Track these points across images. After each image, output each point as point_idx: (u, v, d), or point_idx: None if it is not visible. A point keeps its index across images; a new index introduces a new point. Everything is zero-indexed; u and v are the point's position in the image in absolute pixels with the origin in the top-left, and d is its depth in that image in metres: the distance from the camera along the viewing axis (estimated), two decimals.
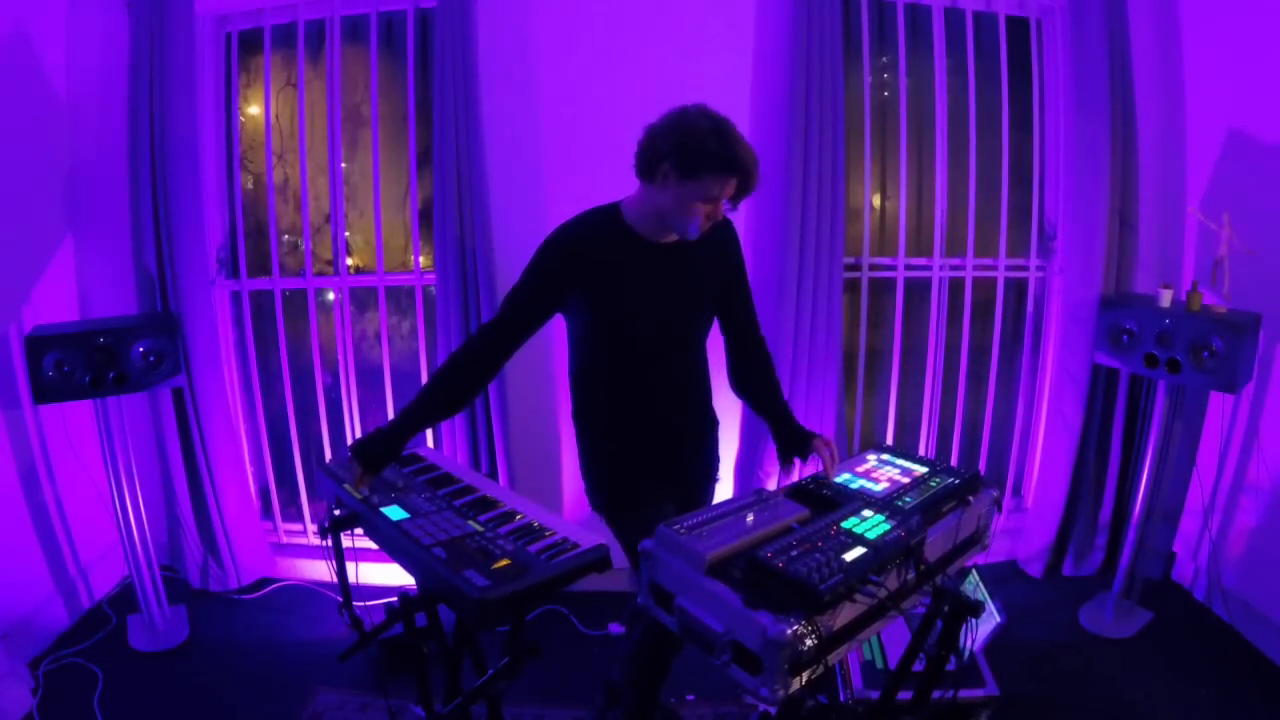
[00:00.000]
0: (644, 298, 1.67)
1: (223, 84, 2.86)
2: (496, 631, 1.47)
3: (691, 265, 1.74)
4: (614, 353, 1.72)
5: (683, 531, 1.31)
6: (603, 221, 1.68)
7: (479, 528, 1.50)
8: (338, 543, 1.68)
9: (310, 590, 2.99)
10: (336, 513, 1.66)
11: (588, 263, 1.62)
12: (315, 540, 3.11)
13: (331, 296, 3.01)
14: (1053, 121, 2.88)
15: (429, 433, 2.89)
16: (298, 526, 3.19)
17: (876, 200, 3.00)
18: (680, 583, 1.27)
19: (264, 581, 3.03)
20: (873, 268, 2.92)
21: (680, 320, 1.75)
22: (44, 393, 2.31)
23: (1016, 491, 3.23)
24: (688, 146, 1.51)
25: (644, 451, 1.78)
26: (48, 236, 2.70)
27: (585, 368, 1.77)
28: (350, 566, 1.80)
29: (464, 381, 1.68)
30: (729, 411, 2.26)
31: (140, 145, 2.58)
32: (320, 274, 3.01)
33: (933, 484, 1.56)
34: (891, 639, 2.30)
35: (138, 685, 2.42)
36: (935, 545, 1.42)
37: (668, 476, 1.83)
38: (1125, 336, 2.49)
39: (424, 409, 1.66)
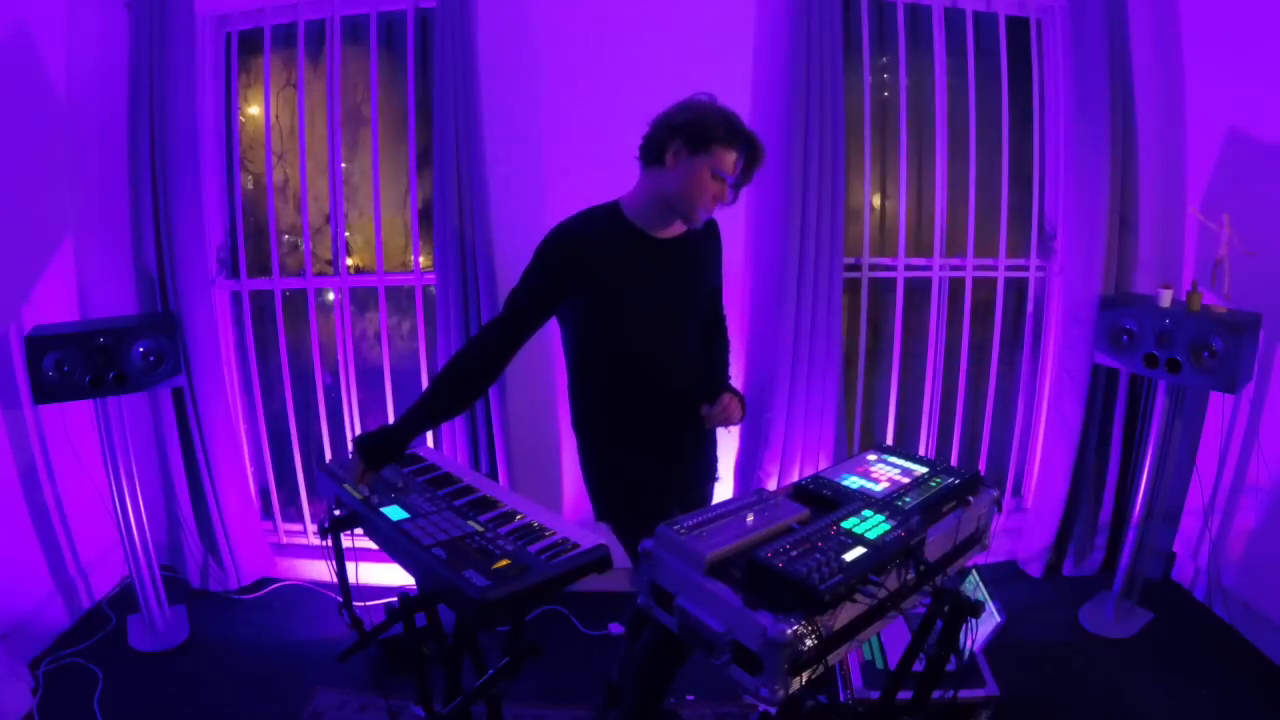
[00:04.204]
0: (646, 290, 1.68)
1: (223, 84, 2.87)
2: (496, 631, 1.46)
3: (691, 258, 1.76)
4: (616, 350, 1.72)
5: (683, 531, 1.30)
6: (602, 217, 1.69)
7: (479, 528, 1.50)
8: (338, 543, 1.68)
9: (310, 590, 2.99)
10: (336, 513, 1.66)
11: (589, 256, 1.63)
12: (315, 540, 3.11)
13: (331, 296, 3.01)
14: (1053, 121, 2.88)
15: (429, 433, 2.89)
16: (298, 526, 3.19)
17: (876, 200, 3.00)
18: (680, 583, 1.27)
19: (264, 581, 3.03)
20: (873, 268, 2.92)
21: (681, 312, 1.76)
22: (44, 393, 2.30)
23: (1016, 491, 3.23)
24: (697, 122, 1.58)
25: (648, 452, 1.77)
26: (48, 236, 2.70)
27: (586, 370, 1.77)
28: (350, 566, 1.79)
29: (469, 380, 1.68)
30: None
31: (140, 145, 2.58)
32: (320, 274, 3.01)
33: (933, 484, 1.56)
34: (891, 639, 2.30)
35: (138, 685, 2.42)
36: (935, 545, 1.42)
37: (671, 477, 1.83)
38: (1125, 336, 2.49)
39: (429, 409, 1.67)
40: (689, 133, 1.58)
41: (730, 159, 1.60)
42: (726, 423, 1.79)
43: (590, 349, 1.75)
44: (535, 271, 1.65)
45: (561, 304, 1.69)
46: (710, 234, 1.84)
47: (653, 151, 1.63)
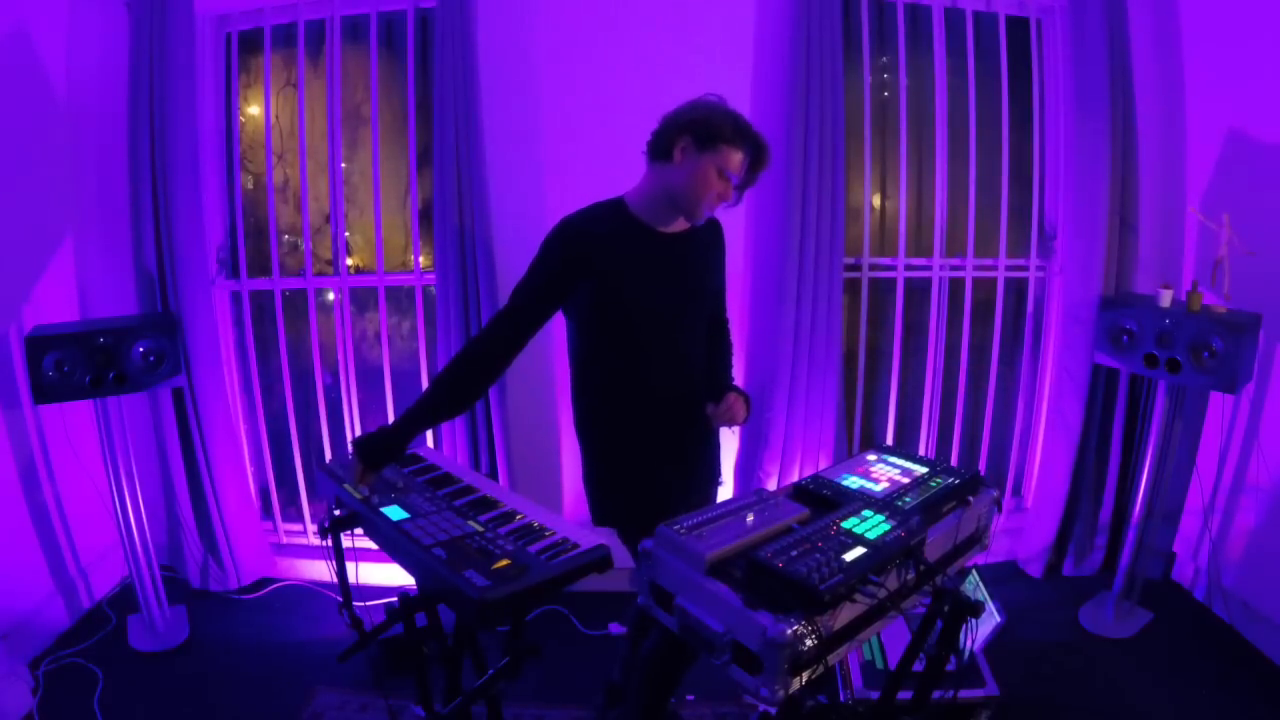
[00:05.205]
0: (650, 285, 1.68)
1: (223, 84, 2.87)
2: (496, 631, 1.46)
3: (695, 255, 1.76)
4: (619, 346, 1.72)
5: (683, 531, 1.30)
6: (607, 211, 1.69)
7: (479, 528, 1.50)
8: (338, 543, 1.68)
9: (310, 590, 2.99)
10: (336, 513, 1.66)
11: (594, 250, 1.63)
12: (315, 540, 3.11)
13: (331, 296, 3.01)
14: (1053, 121, 2.88)
15: (429, 433, 2.89)
16: (298, 526, 3.19)
17: (876, 200, 3.00)
18: (680, 583, 1.27)
19: (264, 581, 3.03)
20: (873, 268, 2.92)
21: (684, 308, 1.76)
22: (44, 393, 2.30)
23: (1016, 491, 3.23)
24: (706, 120, 1.60)
25: (651, 452, 1.77)
26: (48, 236, 2.70)
27: (589, 367, 1.77)
28: (350, 566, 1.80)
29: (472, 378, 1.67)
30: None
31: (140, 145, 2.58)
32: (320, 274, 3.01)
33: (933, 484, 1.56)
34: (891, 639, 2.30)
35: (138, 685, 2.42)
36: (935, 545, 1.42)
37: (673, 478, 1.83)
38: (1125, 336, 2.49)
39: (430, 407, 1.66)
40: (698, 130, 1.59)
41: (736, 159, 1.62)
42: (731, 422, 1.79)
43: (593, 345, 1.74)
44: (539, 266, 1.65)
45: (566, 299, 1.68)
46: (714, 234, 1.85)
47: (661, 147, 1.64)
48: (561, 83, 2.67)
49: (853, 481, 1.58)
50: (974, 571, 2.41)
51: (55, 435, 2.68)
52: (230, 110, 2.88)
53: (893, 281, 2.95)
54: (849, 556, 1.22)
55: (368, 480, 1.63)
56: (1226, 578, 2.66)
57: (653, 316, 1.70)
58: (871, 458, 1.72)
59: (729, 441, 2.89)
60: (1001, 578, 2.95)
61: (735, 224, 2.75)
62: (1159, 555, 2.88)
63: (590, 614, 2.73)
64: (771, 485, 2.81)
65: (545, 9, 2.64)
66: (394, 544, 1.50)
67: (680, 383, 1.79)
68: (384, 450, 1.62)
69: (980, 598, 2.32)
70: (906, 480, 1.58)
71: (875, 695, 2.06)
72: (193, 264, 2.68)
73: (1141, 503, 2.60)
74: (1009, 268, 2.97)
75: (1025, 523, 3.05)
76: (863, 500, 1.46)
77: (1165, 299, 2.40)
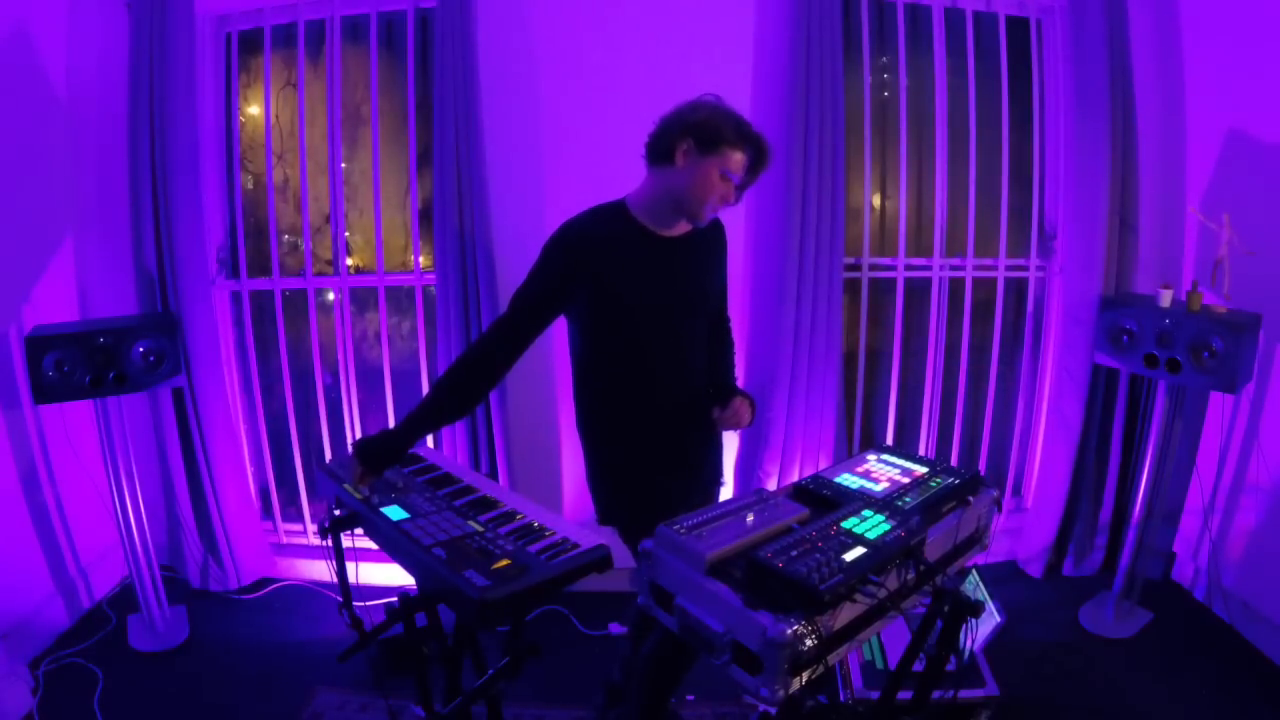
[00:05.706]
0: (652, 289, 1.68)
1: (223, 84, 2.87)
2: (496, 631, 1.46)
3: (697, 258, 1.76)
4: (621, 349, 1.72)
5: (683, 531, 1.30)
6: (609, 216, 1.69)
7: (479, 528, 1.50)
8: (338, 543, 1.68)
9: (310, 590, 2.99)
10: (336, 513, 1.66)
11: (595, 254, 1.63)
12: (315, 540, 3.11)
13: (331, 296, 3.01)
14: (1053, 121, 2.88)
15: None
16: (298, 526, 3.19)
17: (876, 200, 3.00)
18: (680, 583, 1.27)
19: (264, 581, 3.03)
20: (873, 268, 2.92)
21: (686, 311, 1.76)
22: (44, 393, 2.30)
23: (1016, 491, 3.23)
24: (708, 122, 1.60)
25: (652, 454, 1.77)
26: (48, 236, 2.70)
27: (591, 370, 1.77)
28: (350, 566, 1.80)
29: (473, 382, 1.67)
30: None
31: (140, 145, 2.58)
32: (320, 274, 3.01)
33: (933, 484, 1.56)
34: (891, 639, 2.30)
35: (138, 685, 2.42)
36: (935, 545, 1.42)
37: (676, 480, 1.83)
38: (1125, 336, 2.49)
39: (432, 411, 1.66)
40: (699, 133, 1.59)
41: (739, 160, 1.61)
42: (737, 426, 1.79)
43: (595, 348, 1.74)
44: (541, 270, 1.65)
45: (567, 303, 1.68)
46: (716, 235, 1.84)
47: (661, 150, 1.63)
48: (562, 83, 2.67)
49: (853, 481, 1.58)
50: (974, 571, 2.41)
51: (55, 435, 2.68)
52: (230, 110, 2.88)
53: (893, 281, 2.95)
54: (849, 556, 1.22)
55: (367, 482, 1.63)
56: (1226, 578, 2.66)
57: (655, 320, 1.70)
58: (871, 458, 1.72)
59: (729, 441, 2.89)
60: (1001, 578, 2.95)
61: (735, 224, 2.74)
62: (1159, 555, 2.88)
63: (590, 614, 2.73)
64: (771, 485, 2.81)
65: (545, 9, 2.64)
66: (394, 544, 1.50)
67: (682, 385, 1.78)
68: (385, 454, 1.63)
69: (980, 598, 2.32)
70: (906, 480, 1.58)
71: (875, 695, 2.06)
72: (193, 264, 2.67)
73: (1141, 503, 2.60)
74: (1009, 268, 2.97)
75: (1025, 523, 3.05)
76: (863, 500, 1.46)
77: (1165, 299, 2.40)
